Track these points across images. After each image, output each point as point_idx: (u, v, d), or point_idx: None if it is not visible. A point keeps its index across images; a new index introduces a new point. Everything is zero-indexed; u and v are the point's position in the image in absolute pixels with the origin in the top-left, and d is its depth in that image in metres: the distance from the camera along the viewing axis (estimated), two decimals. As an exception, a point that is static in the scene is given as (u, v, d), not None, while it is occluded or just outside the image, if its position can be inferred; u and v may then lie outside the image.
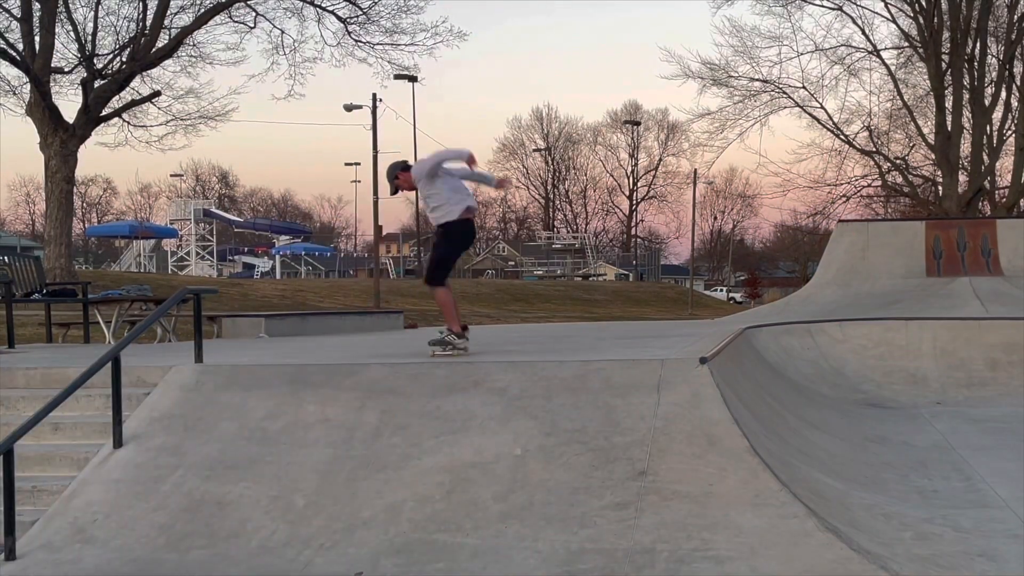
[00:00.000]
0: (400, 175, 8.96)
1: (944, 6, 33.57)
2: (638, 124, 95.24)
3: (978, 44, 33.95)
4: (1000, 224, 19.72)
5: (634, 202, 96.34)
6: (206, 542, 6.15)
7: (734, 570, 5.38)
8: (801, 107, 35.71)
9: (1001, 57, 34.53)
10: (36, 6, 24.01)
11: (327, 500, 6.38)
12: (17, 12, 24.32)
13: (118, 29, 26.17)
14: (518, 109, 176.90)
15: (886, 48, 36.09)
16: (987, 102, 34.56)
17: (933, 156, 35.11)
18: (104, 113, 25.53)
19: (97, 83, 25.06)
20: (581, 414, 6.83)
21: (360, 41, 28.60)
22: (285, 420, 7.15)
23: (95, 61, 25.27)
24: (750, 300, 70.71)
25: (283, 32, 35.00)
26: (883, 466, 7.87)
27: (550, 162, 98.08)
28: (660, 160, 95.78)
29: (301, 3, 27.69)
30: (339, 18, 28.11)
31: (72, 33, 25.27)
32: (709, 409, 6.71)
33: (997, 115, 35.35)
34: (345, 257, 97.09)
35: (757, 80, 35.96)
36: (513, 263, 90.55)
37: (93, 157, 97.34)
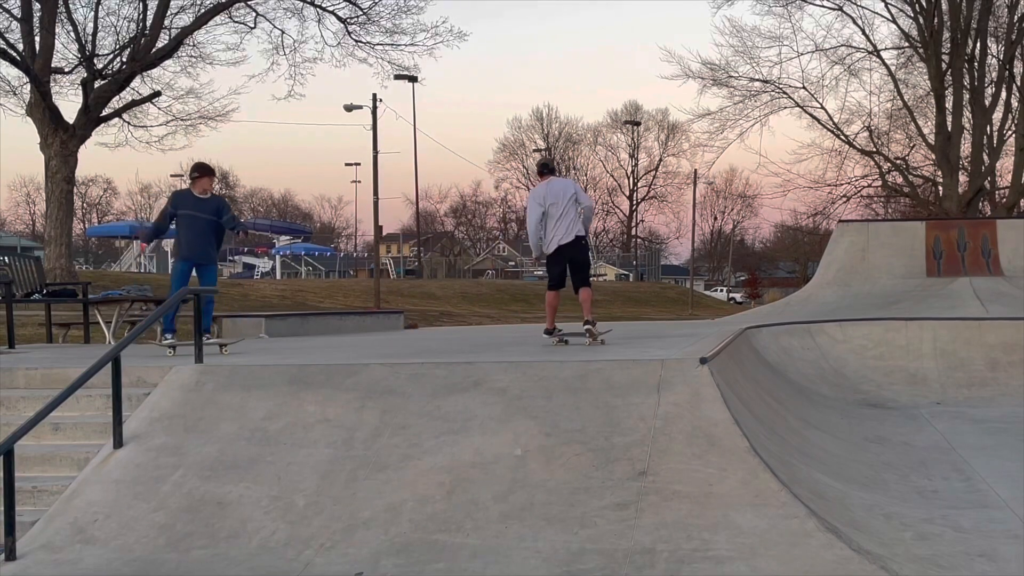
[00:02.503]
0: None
1: (944, 6, 33.54)
2: (638, 124, 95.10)
3: (978, 44, 33.91)
4: (1000, 224, 19.72)
5: (634, 202, 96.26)
6: (206, 542, 6.15)
7: (734, 570, 5.39)
8: (801, 107, 35.69)
9: (1001, 57, 34.49)
10: (36, 6, 23.97)
11: (327, 500, 6.38)
12: (17, 12, 24.29)
13: (118, 29, 26.13)
14: (518, 109, 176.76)
15: (886, 48, 36.08)
16: (987, 102, 34.50)
17: (933, 156, 35.06)
18: (104, 113, 25.49)
19: (97, 83, 25.01)
20: (581, 414, 6.83)
21: (360, 41, 28.58)
22: (285, 420, 7.15)
23: (95, 61, 25.22)
24: (750, 300, 70.69)
25: (283, 32, 35.02)
26: (883, 466, 7.87)
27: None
28: (660, 160, 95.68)
29: (301, 3, 27.66)
30: (339, 18, 28.09)
31: (72, 33, 25.24)
32: (709, 409, 6.72)
33: (997, 115, 35.30)
34: (345, 257, 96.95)
35: (757, 80, 35.93)
36: (513, 263, 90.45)
37: (93, 157, 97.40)
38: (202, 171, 10.51)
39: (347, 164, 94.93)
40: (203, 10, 26.15)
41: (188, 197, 10.40)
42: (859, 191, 37.19)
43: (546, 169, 10.62)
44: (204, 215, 10.32)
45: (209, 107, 28.66)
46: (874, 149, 36.06)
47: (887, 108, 37.08)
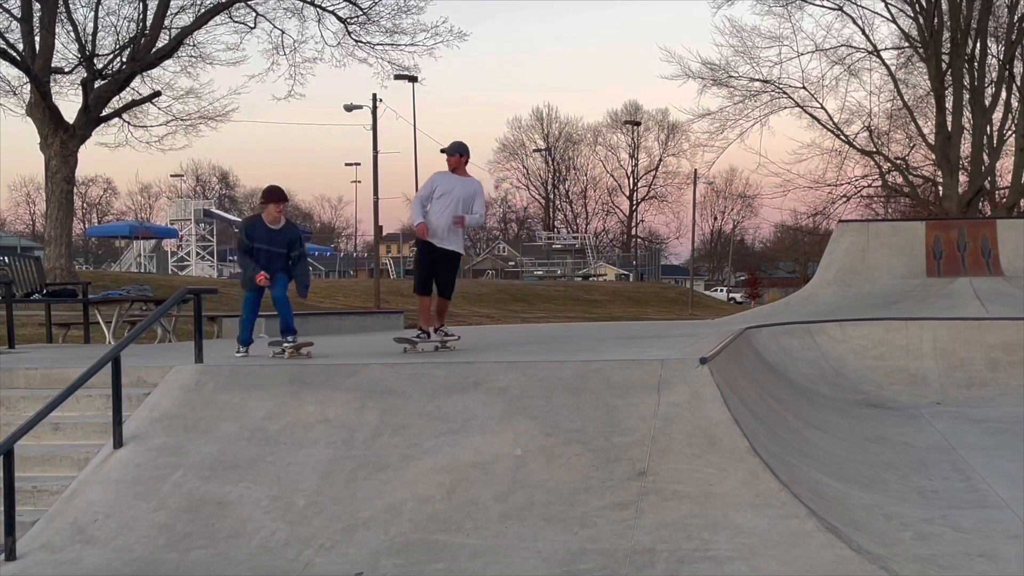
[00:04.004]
0: (456, 158, 9.49)
1: (944, 6, 33.55)
2: (638, 124, 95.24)
3: (978, 44, 33.92)
4: (1000, 224, 19.72)
5: (634, 202, 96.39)
6: (206, 542, 6.15)
7: (734, 570, 5.38)
8: (801, 107, 35.70)
9: (1001, 57, 34.50)
10: (36, 6, 23.96)
11: (327, 500, 6.38)
12: (17, 12, 24.28)
13: (118, 29, 26.14)
14: (518, 109, 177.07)
15: (886, 48, 36.12)
16: (987, 102, 34.51)
17: (933, 156, 35.07)
18: (104, 113, 25.49)
19: (97, 83, 25.01)
20: (581, 414, 6.83)
21: (360, 41, 28.59)
22: (285, 420, 7.15)
23: (95, 61, 25.21)
24: (750, 300, 70.72)
25: (283, 32, 34.99)
26: (883, 466, 7.87)
27: (550, 162, 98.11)
28: (660, 160, 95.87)
29: (301, 3, 27.65)
30: (339, 18, 28.09)
31: (72, 33, 25.24)
32: (709, 409, 6.72)
33: (997, 115, 35.31)
34: (345, 257, 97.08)
35: (757, 80, 35.95)
36: (513, 263, 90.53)
37: (93, 157, 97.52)
38: (269, 197, 9.19)
39: (347, 164, 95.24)
40: (203, 10, 26.17)
41: (260, 228, 9.16)
42: (859, 191, 37.24)
43: (455, 152, 9.43)
44: (277, 249, 9.15)
45: (209, 107, 28.71)
46: (874, 149, 36.07)
47: (887, 108, 37.14)
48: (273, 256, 9.16)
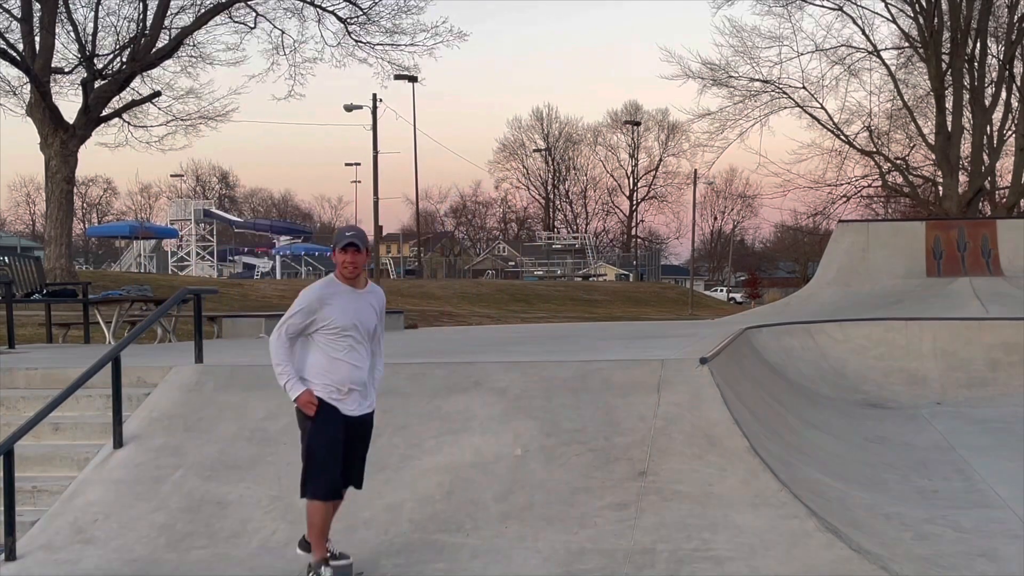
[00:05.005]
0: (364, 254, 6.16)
1: (944, 6, 33.54)
2: (638, 124, 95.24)
3: (978, 44, 33.91)
4: (1000, 224, 19.72)
5: (634, 202, 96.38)
6: (206, 542, 6.15)
7: (734, 570, 5.38)
8: (801, 107, 35.68)
9: (1001, 57, 34.49)
10: (36, 6, 23.96)
11: (327, 500, 6.37)
12: (17, 12, 24.28)
13: (118, 29, 26.15)
14: (518, 109, 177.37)
15: (886, 48, 36.10)
16: (987, 102, 34.50)
17: (933, 156, 35.06)
18: (104, 113, 25.49)
19: (97, 83, 25.00)
20: (581, 414, 6.83)
21: (360, 41, 28.59)
22: (285, 420, 7.14)
23: (95, 61, 25.22)
24: (750, 300, 70.70)
25: (283, 32, 34.96)
26: (883, 466, 7.87)
27: (550, 162, 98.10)
28: (660, 160, 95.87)
29: (301, 3, 27.65)
30: (339, 18, 28.09)
31: (72, 33, 25.25)
32: (709, 409, 6.72)
33: (997, 115, 35.29)
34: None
35: (757, 80, 35.93)
36: (513, 263, 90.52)
37: (93, 157, 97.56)
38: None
39: (347, 164, 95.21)
40: (203, 10, 26.15)
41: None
42: (859, 191, 37.22)
43: (363, 245, 6.08)
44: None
45: (209, 107, 28.70)
46: (874, 149, 36.06)
47: (887, 108, 37.11)
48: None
